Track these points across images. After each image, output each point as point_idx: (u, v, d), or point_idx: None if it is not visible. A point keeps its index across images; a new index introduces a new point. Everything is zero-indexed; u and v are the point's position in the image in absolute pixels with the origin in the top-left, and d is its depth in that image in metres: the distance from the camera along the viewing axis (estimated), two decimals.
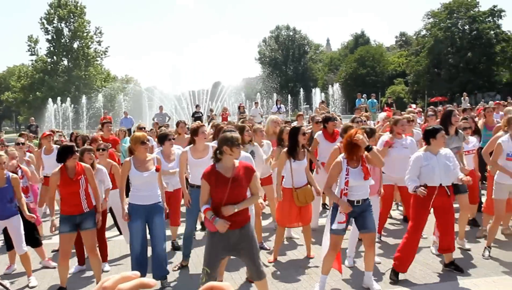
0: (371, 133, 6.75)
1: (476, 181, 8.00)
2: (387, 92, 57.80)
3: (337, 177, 5.72)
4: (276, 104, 24.62)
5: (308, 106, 49.27)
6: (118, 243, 8.45)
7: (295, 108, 48.36)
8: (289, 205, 6.91)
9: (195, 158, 6.78)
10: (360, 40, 77.42)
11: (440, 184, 6.03)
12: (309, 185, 7.05)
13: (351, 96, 36.90)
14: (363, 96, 26.11)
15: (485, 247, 6.98)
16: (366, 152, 5.61)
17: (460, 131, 7.55)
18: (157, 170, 6.21)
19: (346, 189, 5.59)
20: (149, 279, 0.98)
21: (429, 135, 6.11)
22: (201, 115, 23.98)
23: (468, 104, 25.01)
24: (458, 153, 7.10)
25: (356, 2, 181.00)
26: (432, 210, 6.24)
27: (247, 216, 5.02)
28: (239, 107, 23.72)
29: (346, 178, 5.57)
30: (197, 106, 25.81)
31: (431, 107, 14.77)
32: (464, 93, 31.86)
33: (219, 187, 4.79)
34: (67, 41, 56.85)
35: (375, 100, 26.37)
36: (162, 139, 7.55)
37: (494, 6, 57.62)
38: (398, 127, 7.68)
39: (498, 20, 57.74)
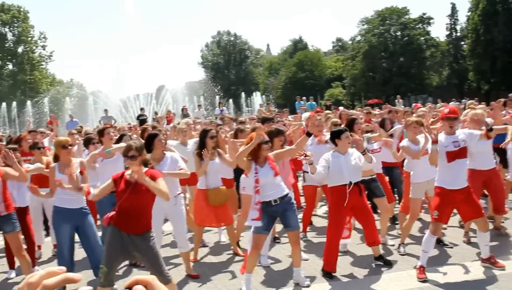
0: (276, 133, 6.72)
1: (386, 181, 8.16)
2: (325, 95, 59.19)
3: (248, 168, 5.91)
4: (219, 107, 24.81)
5: (250, 108, 49.72)
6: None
7: (237, 111, 48.56)
8: (204, 206, 6.94)
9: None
10: (298, 45, 77.82)
11: (350, 182, 6.16)
12: (223, 186, 7.12)
13: (291, 99, 37.84)
14: (303, 99, 26.32)
15: (400, 244, 7.19)
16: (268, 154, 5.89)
17: (369, 135, 7.85)
18: (81, 173, 6.05)
19: (257, 187, 5.70)
20: (74, 274, 1.01)
21: (334, 136, 6.37)
22: (145, 118, 24.01)
23: (403, 106, 26.47)
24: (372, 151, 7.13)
25: (294, 9, 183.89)
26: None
27: (147, 225, 5.04)
28: (182, 110, 23.71)
29: (255, 176, 5.72)
30: (141, 109, 25.76)
31: (367, 108, 15.26)
32: (398, 95, 32.88)
33: (122, 191, 4.91)
34: (11, 45, 55.84)
35: (314, 103, 26.82)
36: (86, 142, 7.48)
37: (424, 14, 60.02)
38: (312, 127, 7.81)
39: (427, 27, 60.11)
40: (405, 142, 7.11)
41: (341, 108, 21.63)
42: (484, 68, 49.99)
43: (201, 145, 6.95)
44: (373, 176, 7.32)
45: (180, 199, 6.45)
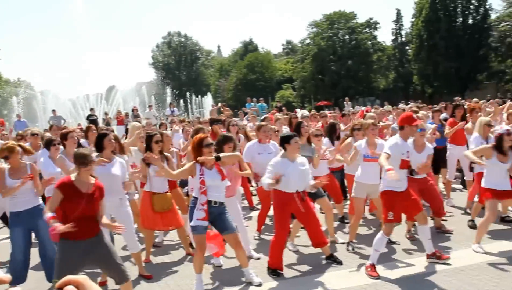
0: (224, 140, 6.61)
1: (336, 183, 8.25)
2: (276, 97, 59.07)
3: (188, 175, 6.07)
4: (169, 108, 24.86)
5: (201, 109, 49.54)
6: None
7: (188, 112, 48.37)
8: (150, 209, 6.88)
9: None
10: (249, 47, 77.98)
11: (297, 190, 6.19)
12: (168, 193, 7.09)
13: (242, 100, 38.02)
14: (253, 100, 26.46)
15: (348, 242, 7.31)
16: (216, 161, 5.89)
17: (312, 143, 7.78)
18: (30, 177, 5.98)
19: (204, 188, 5.70)
20: (4, 275, 1.00)
21: (284, 141, 6.31)
22: (96, 118, 24.08)
23: (351, 108, 27.04)
24: (310, 161, 7.04)
25: (245, 11, 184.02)
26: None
27: (98, 227, 5.02)
28: (133, 110, 23.82)
29: (201, 177, 5.72)
30: (91, 109, 25.56)
31: (322, 112, 15.20)
32: (346, 98, 33.48)
33: (74, 201, 4.82)
34: None
35: (264, 104, 26.97)
36: (47, 144, 7.25)
37: (370, 19, 61.41)
38: (261, 133, 7.87)
39: (374, 31, 61.51)
40: (361, 142, 7.23)
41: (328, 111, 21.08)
42: (428, 72, 51.63)
43: (148, 150, 6.83)
44: None
45: (125, 200, 6.37)
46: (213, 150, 5.99)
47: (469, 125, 9.03)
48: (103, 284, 6.26)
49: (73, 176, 4.98)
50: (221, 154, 6.04)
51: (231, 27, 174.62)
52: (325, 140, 8.65)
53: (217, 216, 5.83)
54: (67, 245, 4.79)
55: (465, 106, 10.76)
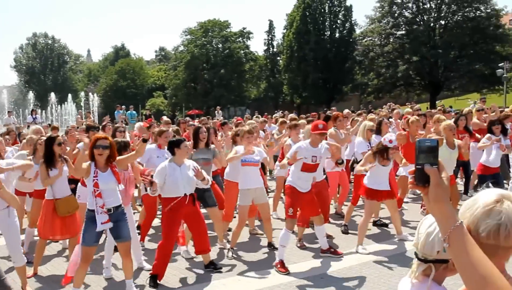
0: (124, 146, 6.74)
1: (218, 189, 8.28)
2: (147, 104, 58.23)
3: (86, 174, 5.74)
4: (31, 115, 23.61)
5: (66, 117, 47.28)
6: None
7: (52, 118, 45.91)
8: (52, 216, 6.57)
9: None
10: (120, 52, 76.84)
11: (185, 194, 6.25)
12: (72, 195, 6.89)
13: (112, 107, 36.54)
14: (122, 108, 26.21)
15: (229, 249, 7.39)
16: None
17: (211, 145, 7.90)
18: None
19: (98, 191, 5.53)
20: None
21: (173, 146, 6.39)
22: None
23: (222, 117, 26.82)
24: (205, 164, 7.31)
25: (117, 15, 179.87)
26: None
27: None
28: None
29: (94, 180, 5.54)
30: None
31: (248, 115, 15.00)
32: (218, 107, 33.60)
33: None
34: None
35: (134, 112, 26.53)
36: None
37: (244, 28, 62.50)
38: (162, 139, 7.96)
39: (247, 41, 62.61)
40: (239, 148, 7.40)
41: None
42: (297, 82, 53.03)
43: (48, 152, 6.57)
44: (208, 186, 7.20)
45: (12, 211, 5.93)
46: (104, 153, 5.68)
47: (332, 130, 9.20)
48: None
49: None
50: (119, 157, 5.95)
51: (102, 31, 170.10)
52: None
53: (113, 223, 5.63)
54: None
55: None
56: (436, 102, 43.81)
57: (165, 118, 14.39)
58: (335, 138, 8.78)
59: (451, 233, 1.41)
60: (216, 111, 30.94)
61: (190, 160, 6.59)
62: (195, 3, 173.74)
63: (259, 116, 19.81)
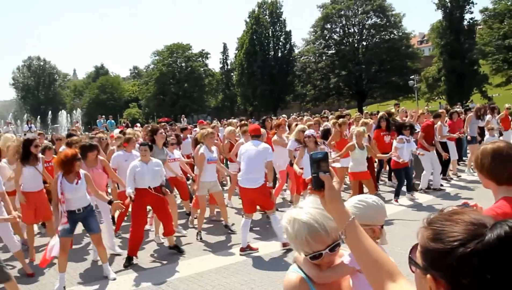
0: (89, 147, 6.66)
1: (184, 183, 8.23)
2: (124, 114, 57.07)
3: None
4: (27, 124, 23.23)
5: (57, 125, 45.27)
6: None
7: (45, 127, 44.14)
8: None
9: None
10: (101, 70, 74.71)
11: (149, 186, 6.20)
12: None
13: (94, 117, 34.88)
14: (103, 117, 25.45)
15: (197, 232, 7.23)
16: None
17: (164, 147, 7.66)
18: None
19: (62, 199, 5.34)
20: None
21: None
22: None
23: (186, 124, 24.89)
24: (165, 163, 7.12)
25: (97, 40, 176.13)
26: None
27: None
28: None
29: (60, 188, 5.33)
30: None
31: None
32: (183, 115, 32.49)
33: None
34: None
35: (113, 121, 25.87)
36: None
37: (203, 50, 61.46)
38: (130, 144, 7.70)
39: (205, 60, 61.38)
40: (202, 149, 7.19)
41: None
42: (248, 94, 51.89)
43: (26, 152, 6.56)
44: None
45: (1, 206, 5.71)
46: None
47: (275, 137, 9.07)
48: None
49: None
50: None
51: (85, 53, 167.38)
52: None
53: (83, 219, 5.57)
54: None
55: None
56: (363, 108, 43.31)
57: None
58: (280, 143, 8.74)
59: (346, 227, 1.39)
60: (181, 118, 29.47)
61: (157, 159, 6.56)
62: (162, 29, 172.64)
63: (218, 121, 20.46)
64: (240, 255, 6.22)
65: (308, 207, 1.69)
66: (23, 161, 6.42)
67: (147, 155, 6.25)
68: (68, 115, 48.60)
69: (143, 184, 6.12)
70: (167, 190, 6.77)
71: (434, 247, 0.96)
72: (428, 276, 0.97)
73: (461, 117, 12.21)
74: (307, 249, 1.67)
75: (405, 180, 8.86)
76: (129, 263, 6.08)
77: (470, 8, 37.16)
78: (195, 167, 7.78)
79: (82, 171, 5.62)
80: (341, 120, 9.75)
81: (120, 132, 11.00)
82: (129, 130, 10.79)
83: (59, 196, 5.28)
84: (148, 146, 6.39)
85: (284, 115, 17.07)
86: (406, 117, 11.86)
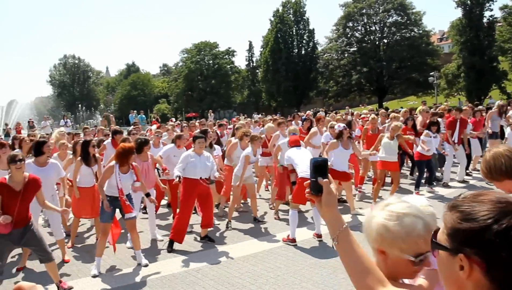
0: (145, 142, 6.83)
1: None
2: (154, 110, 57.65)
3: (109, 178, 5.68)
4: (63, 119, 23.58)
5: (91, 120, 46.59)
6: None
7: (80, 123, 45.48)
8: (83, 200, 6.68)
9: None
10: (132, 68, 75.45)
11: (200, 177, 6.32)
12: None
13: (126, 112, 36.15)
14: (134, 112, 25.71)
15: (227, 221, 7.38)
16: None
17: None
18: None
19: (121, 185, 5.55)
20: None
21: (193, 140, 6.59)
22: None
23: (213, 119, 25.92)
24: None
25: (129, 37, 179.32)
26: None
27: (29, 217, 4.74)
28: (28, 122, 21.44)
29: (119, 177, 5.59)
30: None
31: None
32: (210, 110, 32.95)
33: (10, 200, 4.50)
34: None
35: (143, 116, 26.42)
36: None
37: (229, 48, 61.85)
38: (180, 141, 7.91)
39: (232, 57, 61.79)
40: (248, 151, 7.38)
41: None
42: (273, 90, 52.56)
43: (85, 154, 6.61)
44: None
45: (56, 196, 6.20)
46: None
47: (314, 129, 9.51)
48: (20, 269, 5.81)
49: (7, 177, 4.62)
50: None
51: (117, 51, 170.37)
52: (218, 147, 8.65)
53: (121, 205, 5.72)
54: (1, 238, 4.49)
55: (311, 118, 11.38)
56: (383, 103, 44.13)
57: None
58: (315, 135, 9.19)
59: (339, 234, 1.37)
60: (209, 114, 30.33)
61: (208, 153, 6.67)
62: (190, 28, 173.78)
63: (245, 116, 21.20)
64: (284, 242, 6.32)
65: (406, 203, 1.51)
66: (82, 161, 6.52)
67: (203, 148, 6.46)
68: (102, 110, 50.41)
69: (194, 174, 6.27)
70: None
71: (468, 226, 0.97)
72: (461, 255, 0.97)
73: (483, 115, 11.91)
74: (415, 249, 1.42)
75: (427, 173, 9.13)
76: (171, 248, 6.22)
77: (490, 5, 37.14)
78: (226, 159, 8.30)
79: (133, 163, 5.87)
80: (371, 116, 10.04)
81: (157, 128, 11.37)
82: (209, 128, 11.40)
83: (118, 184, 5.53)
84: (204, 139, 6.64)
85: (309, 111, 17.22)
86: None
